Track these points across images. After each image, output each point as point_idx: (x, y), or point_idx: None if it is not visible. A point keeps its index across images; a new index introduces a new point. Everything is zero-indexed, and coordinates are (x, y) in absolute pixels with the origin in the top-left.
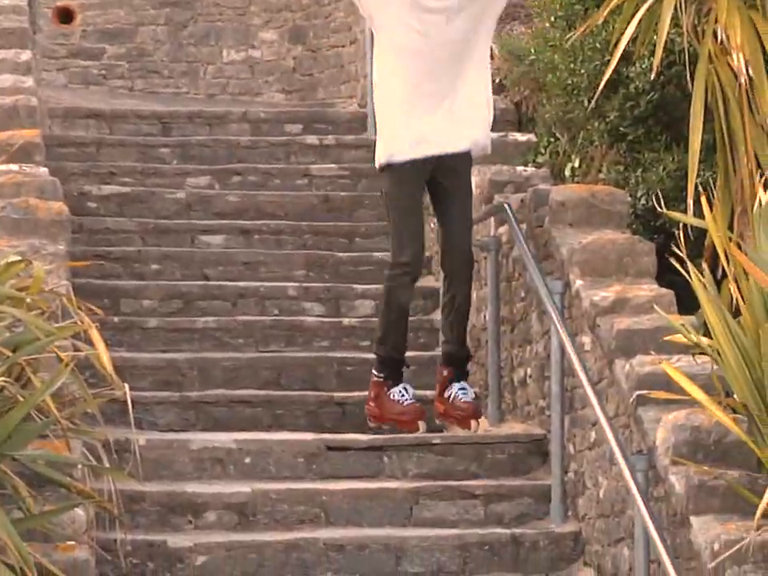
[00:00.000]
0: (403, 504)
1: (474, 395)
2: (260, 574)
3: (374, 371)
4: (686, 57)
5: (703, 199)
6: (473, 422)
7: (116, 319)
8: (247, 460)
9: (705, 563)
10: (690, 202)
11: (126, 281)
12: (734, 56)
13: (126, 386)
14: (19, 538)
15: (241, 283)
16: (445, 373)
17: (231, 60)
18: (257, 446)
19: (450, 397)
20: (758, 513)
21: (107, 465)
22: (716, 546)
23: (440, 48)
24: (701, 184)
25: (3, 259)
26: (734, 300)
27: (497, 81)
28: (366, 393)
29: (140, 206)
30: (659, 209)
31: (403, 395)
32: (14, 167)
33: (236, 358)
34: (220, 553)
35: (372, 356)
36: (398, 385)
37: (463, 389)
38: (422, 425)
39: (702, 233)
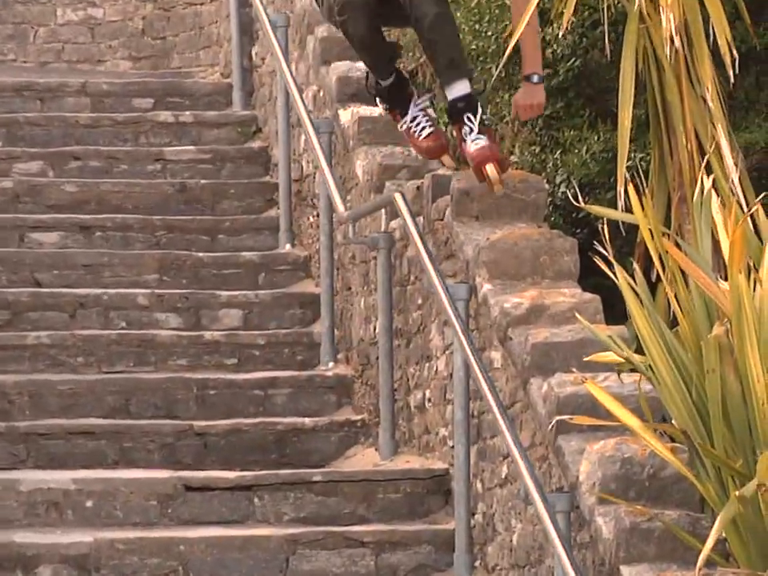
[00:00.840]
0: (278, 555)
1: (484, 140)
2: None
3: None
4: (606, 16)
5: (631, 188)
6: (487, 167)
7: None
8: (89, 503)
9: None
10: (621, 189)
11: None
12: (663, 16)
13: None
14: None
15: (80, 290)
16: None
17: (67, 20)
18: (100, 487)
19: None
20: (701, 560)
21: None
22: None
23: None
24: (631, 168)
25: None
26: (671, 308)
27: None
28: (232, 420)
29: None
30: (577, 203)
31: (418, 125)
32: None
33: (75, 380)
34: None
35: (240, 377)
36: (406, 113)
37: (476, 140)
38: (446, 160)
39: (634, 226)
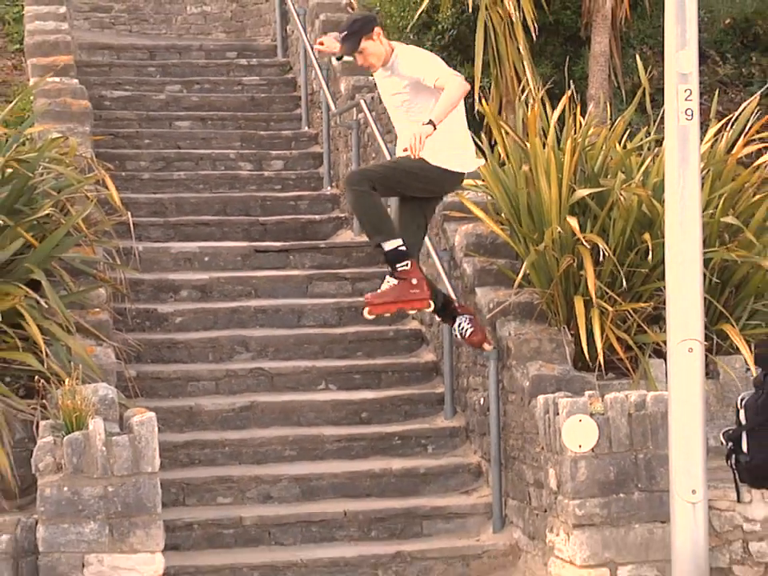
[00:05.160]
0: (302, 284)
1: (468, 327)
2: (215, 327)
3: (398, 267)
4: (470, 6)
5: (482, 96)
6: (485, 346)
7: (123, 173)
8: (206, 259)
9: (485, 315)
10: (476, 97)
11: (128, 150)
12: (499, 7)
13: (129, 213)
14: (64, 307)
15: (201, 150)
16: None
17: (192, 12)
18: (212, 251)
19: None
20: (515, 285)
21: (119, 262)
22: (491, 305)
23: None
24: (482, 87)
25: (50, 136)
26: (501, 156)
27: None
28: (279, 217)
29: (137, 104)
30: None
31: (462, 328)
32: (57, 79)
33: (198, 197)
34: (190, 315)
35: (282, 194)
36: (454, 321)
37: (459, 325)
38: (486, 347)
39: (482, 117)
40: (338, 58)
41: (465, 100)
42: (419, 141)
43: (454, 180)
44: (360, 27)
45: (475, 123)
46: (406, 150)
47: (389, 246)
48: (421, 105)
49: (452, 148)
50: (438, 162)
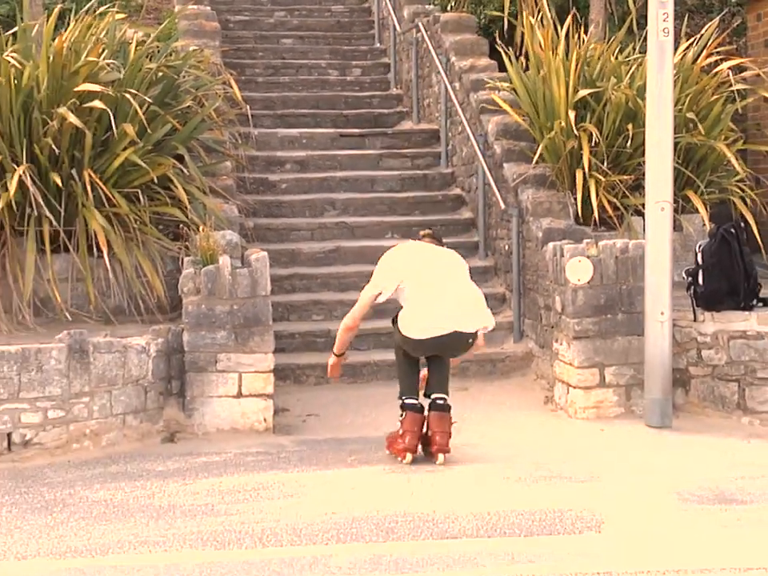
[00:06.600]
0: (375, 160)
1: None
2: (310, 191)
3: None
4: None
5: (513, 19)
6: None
7: (243, 78)
8: (304, 141)
9: (510, 184)
10: (506, 21)
11: (246, 60)
12: None
13: (248, 107)
14: (201, 174)
15: (300, 61)
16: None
17: None
18: (309, 135)
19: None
20: (533, 161)
21: (240, 142)
22: (515, 176)
23: None
24: (510, 12)
25: (190, 48)
26: (525, 65)
27: None
28: (358, 111)
29: (253, 25)
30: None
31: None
32: (195, 6)
33: (298, 95)
34: (292, 182)
35: (361, 94)
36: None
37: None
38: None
39: (512, 31)
40: None
41: (490, 25)
42: (330, 368)
43: (409, 342)
44: None
45: (504, 38)
46: None
47: (402, 399)
48: None
49: (402, 318)
50: (399, 327)
